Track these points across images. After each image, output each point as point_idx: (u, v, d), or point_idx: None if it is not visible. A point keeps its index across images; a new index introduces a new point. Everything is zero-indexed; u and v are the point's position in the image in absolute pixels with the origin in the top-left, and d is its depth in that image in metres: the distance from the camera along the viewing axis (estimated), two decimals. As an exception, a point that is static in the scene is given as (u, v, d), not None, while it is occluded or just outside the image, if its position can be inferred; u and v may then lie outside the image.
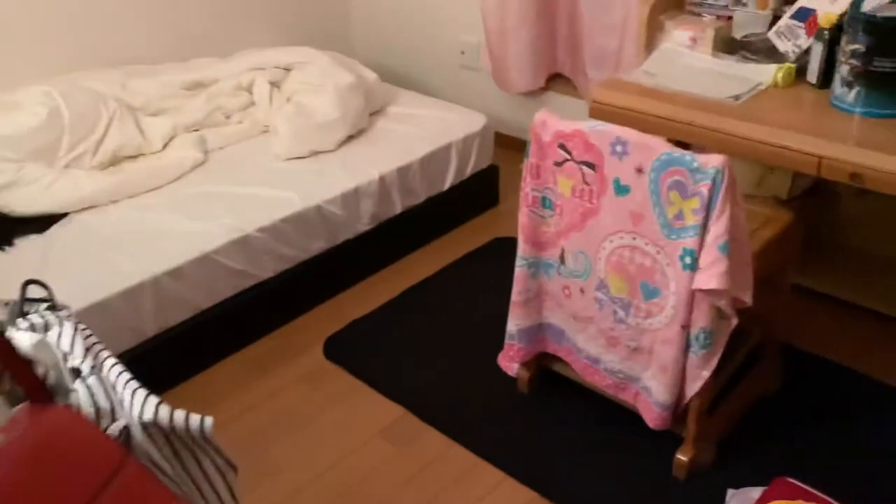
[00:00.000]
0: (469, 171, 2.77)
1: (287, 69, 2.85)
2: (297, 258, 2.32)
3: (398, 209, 2.56)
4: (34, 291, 1.02)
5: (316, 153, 2.55)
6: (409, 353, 2.18)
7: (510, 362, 1.97)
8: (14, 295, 0.97)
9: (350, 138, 2.65)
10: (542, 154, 1.70)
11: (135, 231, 2.14)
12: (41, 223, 2.17)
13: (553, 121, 1.65)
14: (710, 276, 1.48)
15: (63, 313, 1.01)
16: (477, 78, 3.28)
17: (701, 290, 1.52)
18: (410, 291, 2.45)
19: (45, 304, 1.01)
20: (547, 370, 1.98)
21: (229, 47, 3.10)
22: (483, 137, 2.78)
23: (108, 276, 1.95)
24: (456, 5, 3.21)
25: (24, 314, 0.99)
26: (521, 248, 1.82)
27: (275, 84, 2.80)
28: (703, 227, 1.48)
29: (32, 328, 0.96)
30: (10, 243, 2.08)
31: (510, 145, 3.20)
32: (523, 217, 1.78)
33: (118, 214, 2.23)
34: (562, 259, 1.77)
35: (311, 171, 2.45)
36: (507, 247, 2.59)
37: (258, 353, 2.23)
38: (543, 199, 1.74)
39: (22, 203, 2.18)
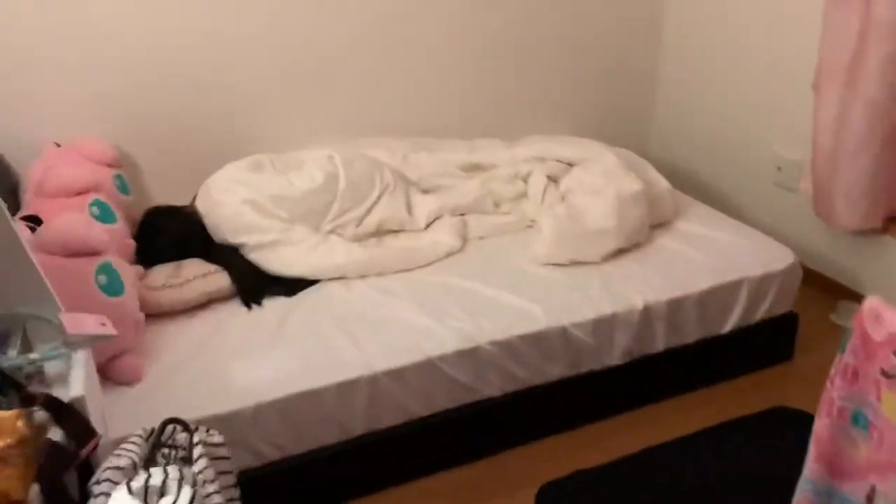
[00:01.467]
0: (759, 315, 2.27)
1: (569, 164, 2.61)
2: (529, 381, 2.03)
3: (659, 347, 2.16)
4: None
5: (577, 263, 2.26)
6: (634, 535, 1.77)
7: None
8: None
9: (620, 252, 2.31)
10: (867, 356, 1.22)
11: (369, 315, 2.03)
12: (292, 285, 2.17)
13: (892, 316, 1.17)
14: None
15: (195, 468, 0.84)
16: (792, 201, 2.75)
17: None
18: (656, 450, 2.02)
19: (181, 451, 0.85)
20: None
21: (517, 130, 2.97)
22: (787, 278, 2.27)
23: (329, 364, 1.85)
24: (778, 113, 2.73)
25: (155, 458, 0.84)
26: (810, 468, 1.33)
27: (552, 178, 2.59)
28: None
29: (145, 490, 0.79)
30: (258, 302, 2.09)
31: (820, 286, 2.61)
32: (822, 428, 1.31)
33: (361, 291, 2.15)
34: (869, 501, 1.26)
35: (565, 283, 2.16)
36: (792, 424, 2.05)
37: (463, 480, 1.97)
38: (856, 414, 1.26)
39: (280, 263, 2.19)
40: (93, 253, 1.71)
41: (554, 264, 2.26)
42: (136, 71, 2.48)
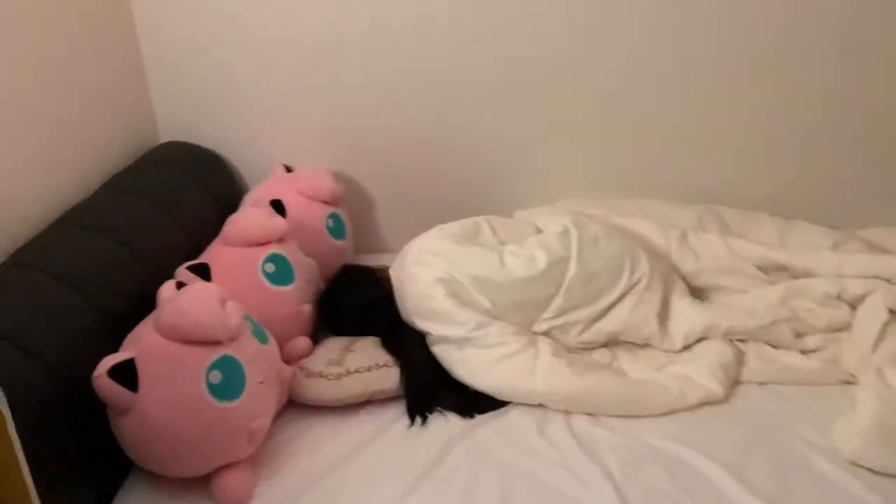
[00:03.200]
0: None
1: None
2: None
3: None
4: None
5: (904, 481, 1.40)
6: None
7: None
8: None
9: None
10: None
11: (539, 478, 1.45)
12: (472, 402, 1.67)
13: None
14: None
15: None
16: None
17: None
18: None
19: None
20: None
21: (855, 215, 2.08)
22: None
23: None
24: None
25: None
26: None
27: (897, 315, 1.69)
28: None
29: None
30: (424, 416, 1.64)
31: None
32: None
33: (556, 437, 1.57)
34: None
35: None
36: None
37: None
38: None
39: (465, 369, 1.71)
40: (213, 343, 1.40)
41: (864, 468, 1.43)
42: (377, 96, 2.16)
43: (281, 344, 1.71)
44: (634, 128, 2.17)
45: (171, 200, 1.91)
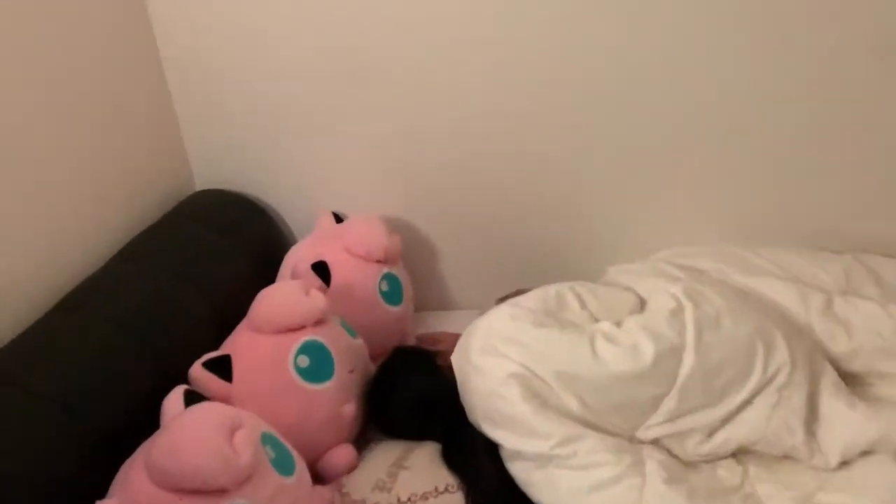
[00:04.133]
0: None
1: None
2: None
3: None
4: None
5: None
6: None
7: None
8: None
9: None
10: None
11: None
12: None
13: None
14: None
15: None
16: None
17: None
18: None
19: None
20: None
21: None
22: None
23: None
24: None
25: None
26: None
27: None
28: None
29: None
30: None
31: None
32: None
33: None
34: None
35: None
36: None
37: None
38: None
39: (549, 496, 1.32)
40: (217, 492, 1.07)
41: None
42: (442, 133, 1.80)
43: (316, 455, 1.38)
44: (759, 159, 1.73)
45: (198, 267, 1.62)
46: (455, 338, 1.72)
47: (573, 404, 1.35)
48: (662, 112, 1.69)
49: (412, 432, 1.47)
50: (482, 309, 1.88)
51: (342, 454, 1.42)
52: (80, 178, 1.54)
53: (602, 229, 1.85)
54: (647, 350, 1.36)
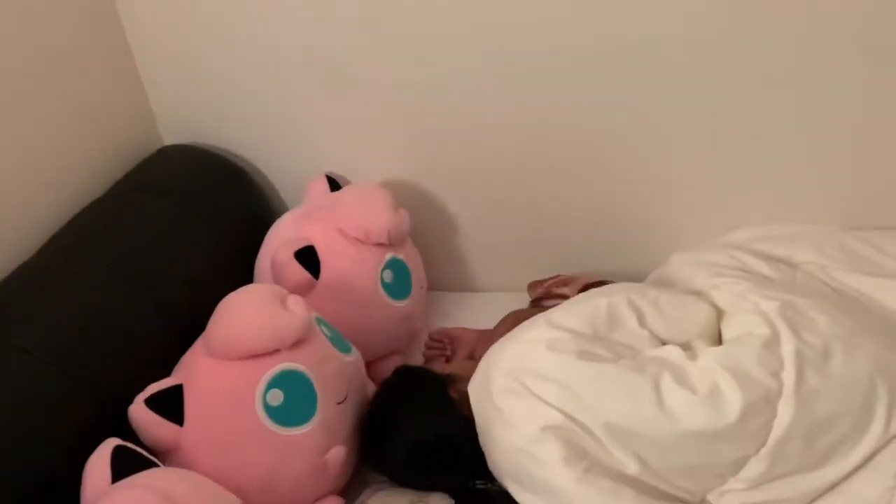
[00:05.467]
0: None
1: None
2: None
3: None
4: None
5: None
6: None
7: None
8: None
9: None
10: None
11: None
12: None
13: None
14: None
15: None
16: None
17: None
18: None
19: None
20: None
21: None
22: None
23: None
24: None
25: None
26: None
27: None
28: None
29: None
30: None
31: None
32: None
33: None
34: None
35: None
36: None
37: None
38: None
39: None
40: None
41: None
42: (466, 80, 1.41)
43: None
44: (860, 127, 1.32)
45: (152, 258, 1.28)
46: (475, 338, 1.39)
47: (630, 465, 1.01)
48: (742, 61, 1.28)
49: (415, 483, 1.15)
50: (507, 292, 1.55)
51: (328, 511, 1.11)
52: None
53: (664, 204, 1.47)
54: (733, 401, 1.01)
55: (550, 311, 1.16)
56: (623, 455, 1.02)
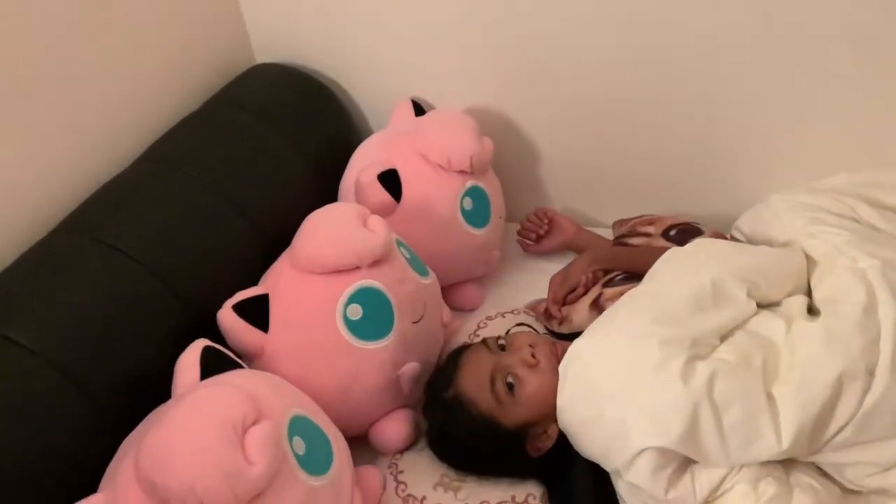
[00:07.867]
0: None
1: None
2: None
3: None
4: None
5: None
6: None
7: None
8: None
9: None
10: None
11: None
12: None
13: None
14: None
15: None
16: None
17: None
18: None
19: None
20: None
21: None
22: None
23: None
24: None
25: None
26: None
27: None
28: None
29: None
30: None
31: None
32: None
33: None
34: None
35: None
36: None
37: None
38: None
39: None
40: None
41: None
42: (562, 19, 1.37)
43: (365, 425, 1.15)
44: None
45: (239, 171, 1.32)
46: (574, 231, 1.50)
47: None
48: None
49: (478, 470, 1.12)
50: (588, 228, 1.53)
51: (396, 426, 1.16)
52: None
53: (764, 141, 1.41)
54: (829, 373, 0.97)
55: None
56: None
